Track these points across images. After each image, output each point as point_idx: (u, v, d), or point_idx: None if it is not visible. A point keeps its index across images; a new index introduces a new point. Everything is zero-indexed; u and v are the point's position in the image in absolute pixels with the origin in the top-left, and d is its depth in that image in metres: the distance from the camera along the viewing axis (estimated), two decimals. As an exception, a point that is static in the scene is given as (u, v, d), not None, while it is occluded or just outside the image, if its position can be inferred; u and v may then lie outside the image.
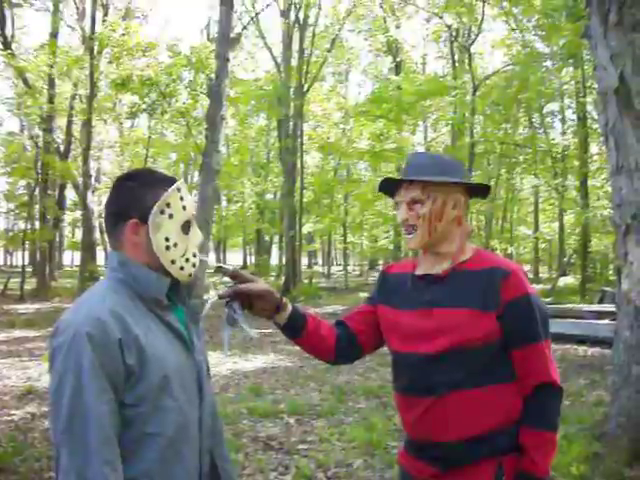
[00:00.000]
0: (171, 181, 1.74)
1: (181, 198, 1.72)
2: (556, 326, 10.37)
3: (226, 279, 2.00)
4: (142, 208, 1.66)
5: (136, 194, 1.68)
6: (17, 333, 12.04)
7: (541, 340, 1.92)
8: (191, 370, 1.72)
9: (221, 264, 1.94)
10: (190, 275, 1.75)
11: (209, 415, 1.80)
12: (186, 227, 1.73)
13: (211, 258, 2.08)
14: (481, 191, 2.14)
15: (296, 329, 2.07)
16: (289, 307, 2.05)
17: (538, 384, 1.91)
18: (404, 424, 2.07)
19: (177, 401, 1.63)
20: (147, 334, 1.60)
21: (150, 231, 1.66)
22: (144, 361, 1.56)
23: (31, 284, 22.33)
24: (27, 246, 25.69)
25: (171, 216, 1.69)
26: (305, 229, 26.35)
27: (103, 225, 1.84)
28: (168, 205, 1.68)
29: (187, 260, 1.73)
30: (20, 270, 21.60)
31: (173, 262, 1.69)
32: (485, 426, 1.89)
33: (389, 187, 2.08)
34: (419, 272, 2.06)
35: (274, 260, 36.03)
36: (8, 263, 35.01)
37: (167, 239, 1.68)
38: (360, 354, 2.22)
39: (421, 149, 26.72)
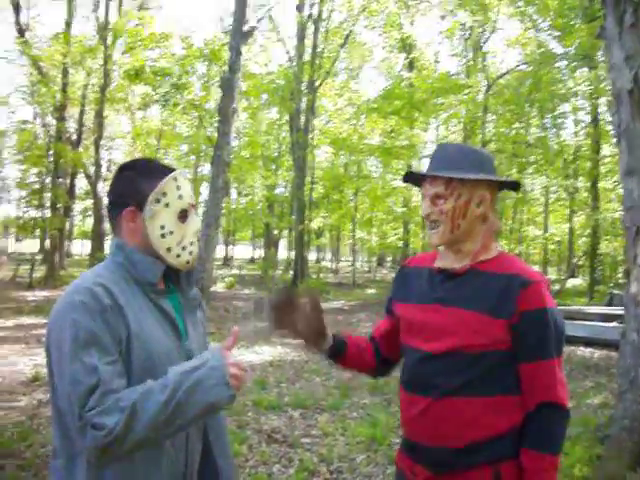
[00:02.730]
0: (168, 171, 1.77)
1: (177, 187, 1.75)
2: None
3: None
4: (139, 196, 1.71)
5: (134, 183, 1.73)
6: (25, 320, 12.10)
7: (552, 357, 1.84)
8: (182, 359, 1.71)
9: (261, 298, 1.92)
10: (188, 262, 1.77)
11: None
12: (182, 216, 1.76)
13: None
14: (511, 185, 2.08)
15: (336, 356, 2.15)
16: (330, 340, 2.11)
17: (543, 403, 1.83)
18: (402, 421, 2.03)
19: None
20: (137, 314, 1.62)
21: (146, 219, 1.70)
22: (130, 337, 1.58)
23: (40, 272, 22.43)
24: (37, 234, 25.80)
25: (167, 205, 1.72)
26: (314, 224, 26.33)
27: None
28: (164, 194, 1.72)
29: (184, 248, 1.75)
30: (30, 258, 21.68)
31: (169, 250, 1.73)
32: (483, 434, 1.83)
33: (415, 178, 2.04)
34: (438, 265, 2.01)
35: (282, 254, 36.04)
36: (18, 250, 35.21)
37: (162, 227, 1.72)
38: (393, 365, 2.27)
39: (433, 147, 26.60)
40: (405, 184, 2.06)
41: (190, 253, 1.77)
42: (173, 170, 1.78)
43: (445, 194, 1.89)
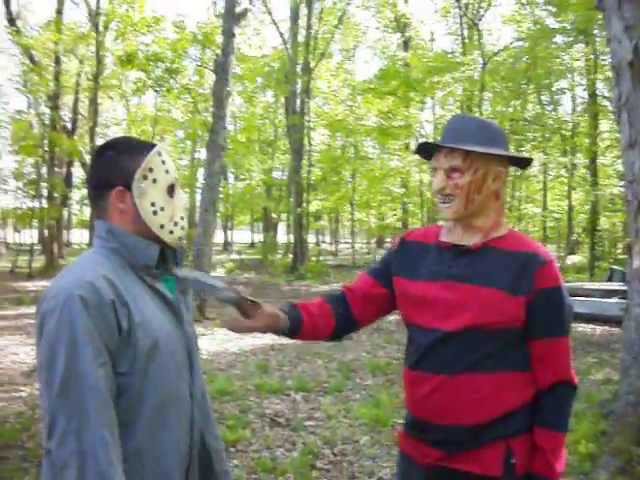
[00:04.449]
0: (150, 146, 1.72)
1: (162, 162, 1.71)
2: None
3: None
4: (125, 175, 1.65)
5: (117, 162, 1.67)
6: (25, 310, 12.08)
7: (566, 335, 1.86)
8: (181, 341, 1.70)
9: (221, 289, 1.79)
10: (180, 238, 1.75)
11: (199, 390, 1.77)
12: (170, 190, 1.72)
13: (219, 284, 1.78)
14: (520, 162, 2.06)
15: (293, 333, 2.00)
16: (287, 323, 1.95)
17: (557, 381, 1.85)
18: (409, 402, 1.97)
19: (167, 370, 1.60)
20: (137, 301, 1.58)
21: (135, 197, 1.65)
22: (133, 327, 1.54)
23: (39, 262, 22.41)
24: (35, 224, 25.71)
25: (155, 181, 1.68)
26: (312, 207, 26.25)
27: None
28: (151, 170, 1.68)
29: (175, 224, 1.72)
30: (29, 248, 21.67)
31: (162, 227, 1.69)
32: (495, 411, 1.81)
33: (426, 149, 1.96)
34: (446, 240, 1.94)
35: (281, 238, 36.03)
36: (17, 241, 35.04)
37: (153, 204, 1.67)
38: (353, 329, 2.15)
39: (429, 126, 26.51)
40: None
41: (182, 228, 1.74)
42: (153, 145, 1.73)
43: (463, 167, 1.82)
